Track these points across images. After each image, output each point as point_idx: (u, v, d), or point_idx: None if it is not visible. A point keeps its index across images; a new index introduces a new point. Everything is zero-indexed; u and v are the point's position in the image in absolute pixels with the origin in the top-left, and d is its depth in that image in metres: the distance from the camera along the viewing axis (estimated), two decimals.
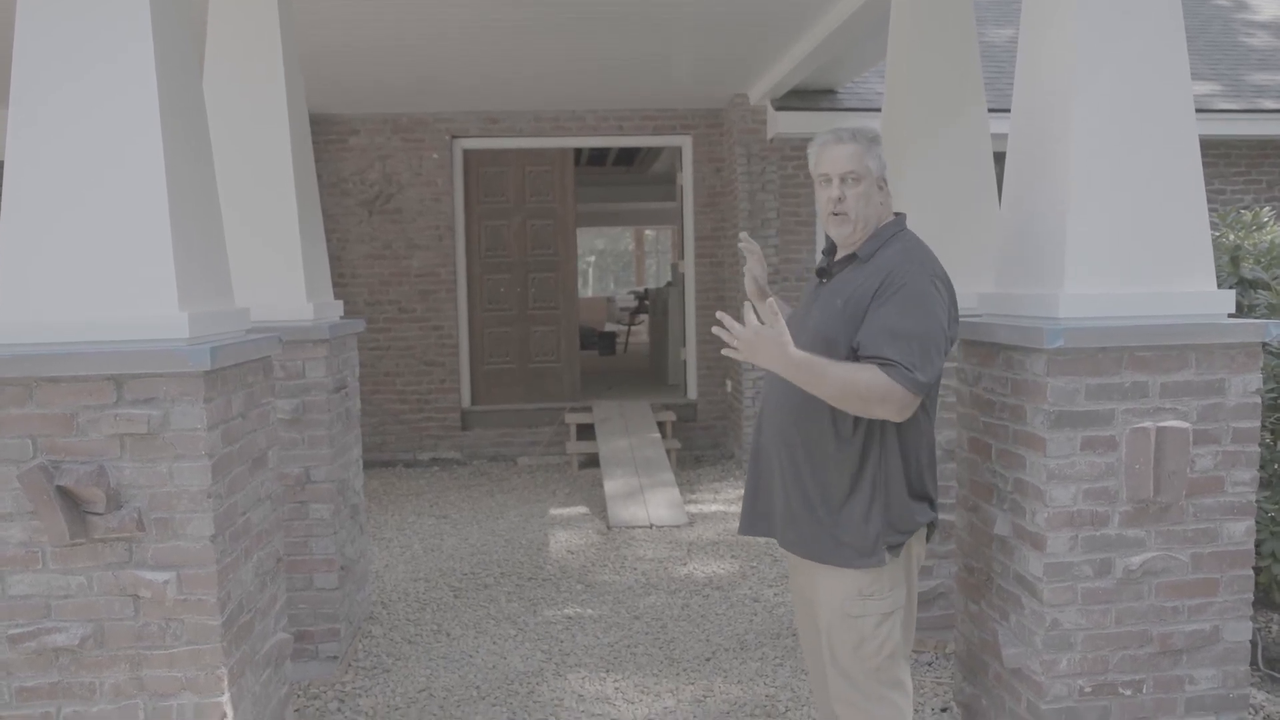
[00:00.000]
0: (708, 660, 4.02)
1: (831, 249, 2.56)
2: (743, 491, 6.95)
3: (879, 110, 4.79)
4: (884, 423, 2.34)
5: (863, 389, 2.22)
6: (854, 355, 2.32)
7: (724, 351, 2.27)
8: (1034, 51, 2.89)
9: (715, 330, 2.26)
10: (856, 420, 2.34)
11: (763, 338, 2.21)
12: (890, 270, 2.33)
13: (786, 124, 7.32)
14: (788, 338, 2.22)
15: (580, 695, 3.70)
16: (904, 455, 2.40)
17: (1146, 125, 2.68)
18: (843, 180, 2.41)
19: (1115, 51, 2.67)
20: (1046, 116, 2.79)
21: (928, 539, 2.53)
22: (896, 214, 2.51)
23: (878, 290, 2.31)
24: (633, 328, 17.09)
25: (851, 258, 2.44)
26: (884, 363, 2.23)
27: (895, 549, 2.40)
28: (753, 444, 2.57)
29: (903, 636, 2.46)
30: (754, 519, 2.57)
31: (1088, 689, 2.69)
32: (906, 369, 2.22)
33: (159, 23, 2.55)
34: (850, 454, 2.36)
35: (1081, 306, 2.64)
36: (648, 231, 24.22)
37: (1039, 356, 2.65)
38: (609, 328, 16.82)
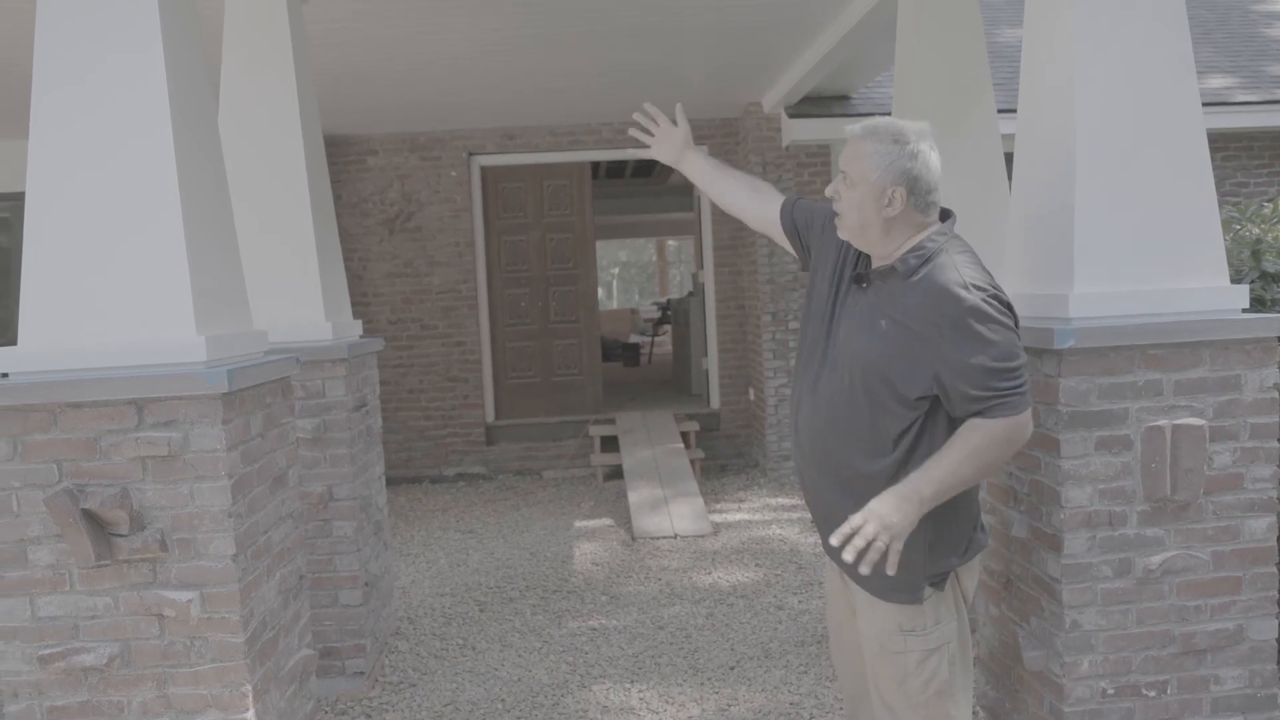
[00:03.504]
0: (732, 669, 4.02)
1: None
2: (767, 500, 6.96)
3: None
4: (935, 438, 2.13)
5: (994, 454, 2.06)
6: (897, 385, 2.11)
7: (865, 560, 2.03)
8: (1036, 50, 2.89)
9: (847, 554, 2.02)
10: (901, 435, 2.13)
11: (887, 510, 2.00)
12: (943, 296, 2.07)
13: (801, 131, 7.33)
14: (909, 489, 2.03)
15: (605, 706, 3.71)
16: None
17: (1151, 120, 2.67)
18: (843, 177, 2.18)
19: (1116, 47, 2.67)
20: (1050, 115, 2.79)
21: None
22: (944, 213, 2.23)
23: (934, 321, 2.07)
24: (656, 338, 17.11)
25: (891, 271, 2.16)
26: (995, 403, 2.04)
27: (939, 583, 2.20)
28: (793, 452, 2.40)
29: (955, 671, 2.24)
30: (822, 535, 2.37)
31: (1110, 691, 2.67)
32: (1013, 396, 2.04)
33: (171, 49, 2.61)
34: (885, 470, 2.13)
35: (1092, 306, 2.63)
36: (670, 242, 24.28)
37: (1050, 357, 2.64)
38: (633, 339, 16.85)
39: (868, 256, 2.27)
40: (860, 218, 2.15)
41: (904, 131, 2.13)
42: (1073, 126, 2.66)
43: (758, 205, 2.55)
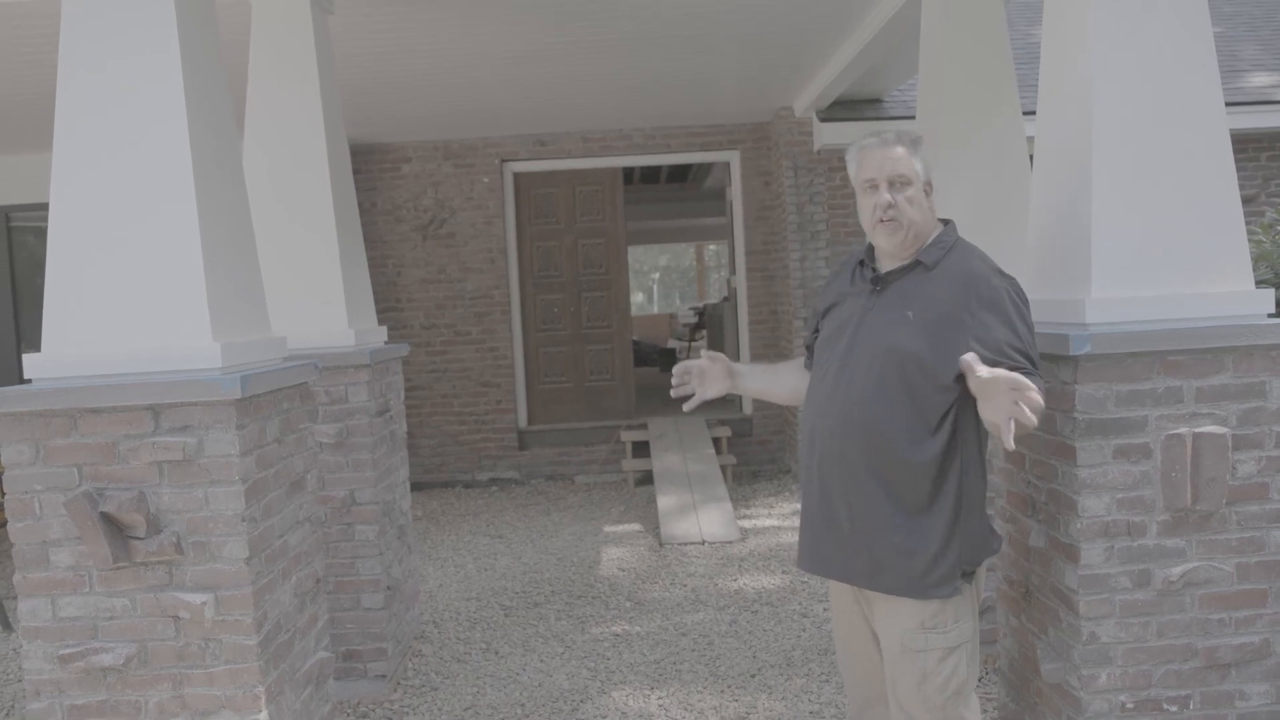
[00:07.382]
0: (753, 677, 4.00)
1: (872, 256, 2.39)
2: (798, 505, 6.92)
3: None
4: (968, 424, 2.22)
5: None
6: (933, 370, 2.19)
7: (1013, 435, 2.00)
8: (1054, 51, 2.85)
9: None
10: (941, 419, 2.19)
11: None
12: (971, 281, 2.22)
13: (832, 135, 7.28)
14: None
15: (623, 713, 3.71)
16: (985, 464, 2.27)
17: (1171, 121, 2.61)
18: (891, 185, 2.27)
19: (1136, 47, 2.61)
20: (1068, 116, 2.74)
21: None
22: (943, 220, 2.39)
23: (964, 304, 2.19)
24: (693, 344, 17.08)
25: (913, 266, 2.29)
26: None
27: (969, 576, 2.25)
28: (803, 466, 2.39)
29: (971, 672, 2.29)
30: (813, 556, 2.38)
31: (1130, 705, 2.61)
32: (1031, 377, 2.12)
33: (189, 57, 2.66)
34: (930, 458, 2.19)
35: (1109, 311, 2.58)
36: (709, 246, 24.22)
37: (1066, 364, 2.59)
38: (670, 344, 16.85)
39: (873, 267, 2.39)
40: (921, 212, 2.30)
41: (914, 133, 2.35)
42: (1090, 128, 2.62)
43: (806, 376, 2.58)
